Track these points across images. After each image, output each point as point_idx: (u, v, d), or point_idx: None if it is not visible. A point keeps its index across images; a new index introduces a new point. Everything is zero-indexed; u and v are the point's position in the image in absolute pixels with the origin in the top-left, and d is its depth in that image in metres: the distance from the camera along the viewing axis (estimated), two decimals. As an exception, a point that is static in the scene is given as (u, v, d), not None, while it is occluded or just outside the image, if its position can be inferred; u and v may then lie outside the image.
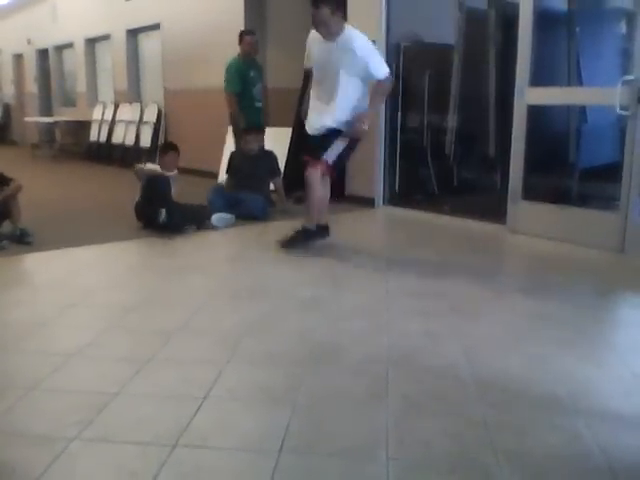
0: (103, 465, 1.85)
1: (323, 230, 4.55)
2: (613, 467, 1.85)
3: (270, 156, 5.96)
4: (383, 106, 6.26)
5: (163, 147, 5.59)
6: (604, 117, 5.71)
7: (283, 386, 2.36)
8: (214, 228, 5.27)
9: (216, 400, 2.23)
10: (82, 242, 4.74)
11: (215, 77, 8.52)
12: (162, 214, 4.93)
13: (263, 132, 6.13)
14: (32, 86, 14.90)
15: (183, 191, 5.43)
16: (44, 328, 2.98)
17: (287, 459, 1.86)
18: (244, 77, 6.46)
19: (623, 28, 7.06)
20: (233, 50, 8.42)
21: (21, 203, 4.79)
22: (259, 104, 6.63)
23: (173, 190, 5.25)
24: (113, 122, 11.05)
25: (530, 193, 5.07)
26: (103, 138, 11.19)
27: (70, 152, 11.86)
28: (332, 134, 4.23)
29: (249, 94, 6.49)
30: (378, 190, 6.39)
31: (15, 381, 2.40)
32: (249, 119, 6.40)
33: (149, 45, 10.48)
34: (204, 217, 5.30)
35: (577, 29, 6.36)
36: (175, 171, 5.35)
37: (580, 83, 6.21)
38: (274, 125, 7.15)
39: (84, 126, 11.78)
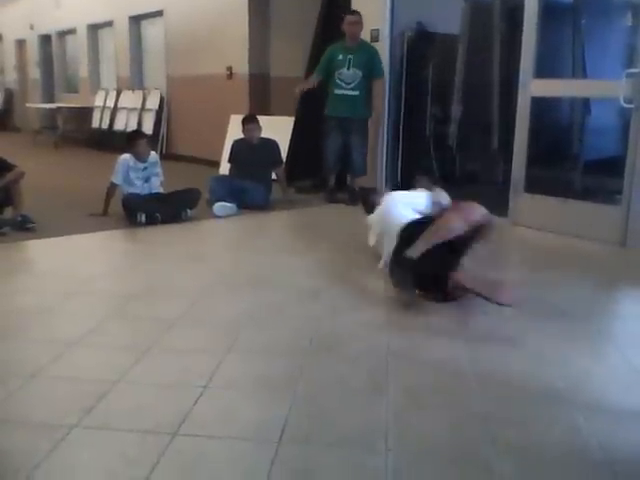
0: (103, 453, 1.86)
1: None
2: (612, 460, 1.85)
3: (272, 145, 5.94)
4: (386, 96, 6.25)
5: (130, 138, 5.38)
6: (608, 110, 5.69)
7: (283, 376, 2.37)
8: (216, 217, 5.27)
9: (216, 389, 2.24)
10: (83, 229, 4.74)
11: (218, 64, 8.52)
12: (141, 217, 4.91)
13: (360, 121, 5.88)
14: (34, 72, 14.85)
15: (182, 179, 5.40)
16: (45, 316, 2.99)
17: (286, 449, 1.87)
18: (330, 61, 5.86)
19: (629, 20, 7.01)
20: (236, 37, 8.37)
21: (23, 190, 4.79)
22: (339, 91, 5.85)
23: (157, 178, 5.27)
24: (115, 109, 11.01)
25: (532, 185, 5.05)
26: (105, 125, 11.15)
27: (72, 138, 11.82)
28: None
29: (331, 79, 5.88)
30: (380, 181, 6.37)
31: (16, 369, 2.40)
32: (330, 106, 5.97)
33: (152, 32, 10.43)
34: (196, 198, 5.27)
35: (582, 21, 6.33)
36: (152, 154, 5.34)
37: (584, 75, 6.18)
38: (276, 114, 7.12)
39: (86, 113, 11.74)
